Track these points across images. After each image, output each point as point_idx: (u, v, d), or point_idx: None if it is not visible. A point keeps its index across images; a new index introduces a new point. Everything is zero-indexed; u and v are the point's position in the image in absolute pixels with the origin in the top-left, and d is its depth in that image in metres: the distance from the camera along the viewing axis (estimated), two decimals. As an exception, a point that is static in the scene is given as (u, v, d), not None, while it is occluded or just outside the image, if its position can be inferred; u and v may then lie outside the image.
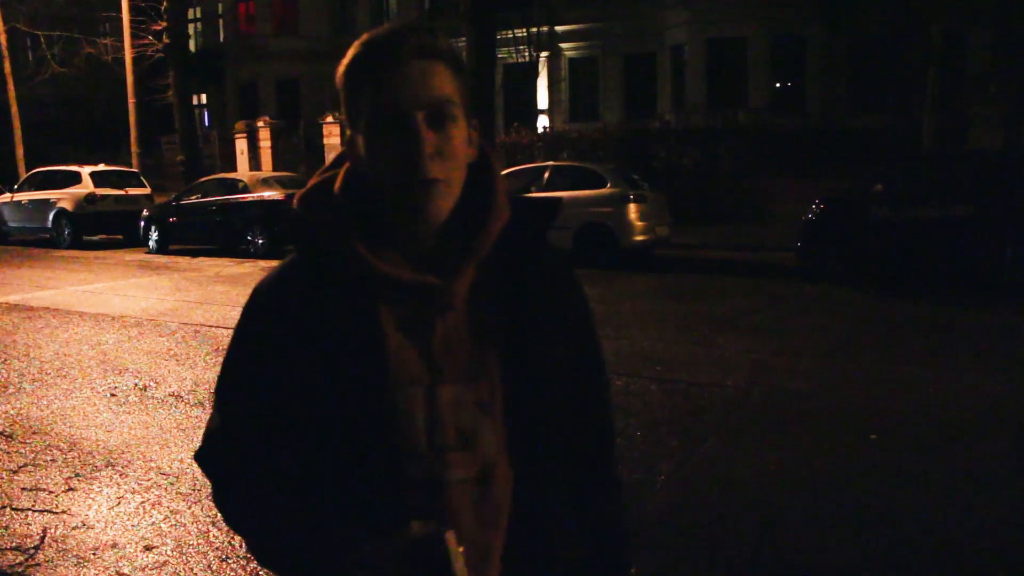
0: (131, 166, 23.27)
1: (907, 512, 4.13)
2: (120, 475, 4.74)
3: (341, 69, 1.17)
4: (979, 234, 10.65)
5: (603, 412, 1.39)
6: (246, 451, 1.25)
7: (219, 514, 1.34)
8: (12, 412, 5.99)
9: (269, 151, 26.96)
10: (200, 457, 1.31)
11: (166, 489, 4.51)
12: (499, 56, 21.06)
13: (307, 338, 1.18)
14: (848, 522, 4.04)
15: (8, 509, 4.29)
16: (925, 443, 5.11)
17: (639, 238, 13.52)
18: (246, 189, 16.80)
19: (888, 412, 5.71)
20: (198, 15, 36.58)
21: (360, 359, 1.17)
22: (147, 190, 20.24)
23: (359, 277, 1.18)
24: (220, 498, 1.30)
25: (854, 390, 6.30)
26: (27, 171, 23.97)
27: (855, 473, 4.65)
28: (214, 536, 3.92)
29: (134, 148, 24.64)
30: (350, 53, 1.17)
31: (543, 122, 28.36)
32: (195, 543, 3.86)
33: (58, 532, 4.01)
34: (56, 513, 4.24)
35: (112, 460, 4.98)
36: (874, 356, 7.39)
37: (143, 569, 3.65)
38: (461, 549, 1.11)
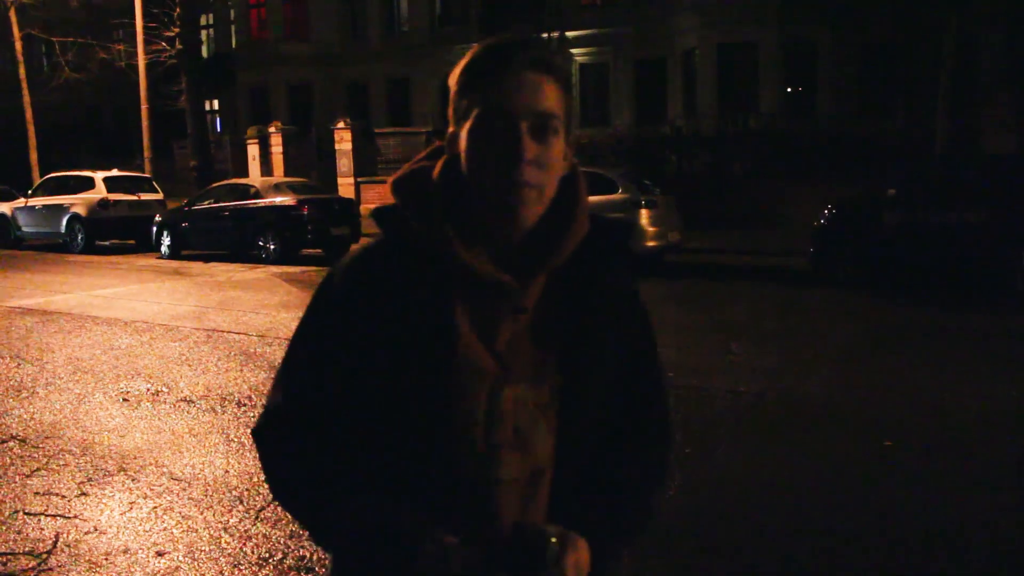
0: (144, 171, 23.39)
1: (923, 519, 4.10)
2: (132, 480, 4.75)
3: (457, 69, 1.24)
4: (993, 239, 10.59)
5: (657, 427, 1.42)
6: (307, 430, 1.27)
7: (269, 489, 1.35)
8: (26, 416, 6.01)
9: (281, 156, 27.04)
10: (257, 432, 1.33)
11: (178, 494, 4.52)
12: (510, 62, 21.04)
13: (380, 321, 1.22)
14: (864, 529, 4.01)
15: (21, 513, 4.30)
16: (940, 449, 5.07)
17: (651, 243, 13.50)
18: (258, 195, 16.86)
19: (902, 418, 5.67)
20: (210, 21, 36.76)
21: (429, 348, 1.21)
22: (160, 195, 20.35)
23: (440, 267, 1.22)
24: (275, 478, 1.32)
25: (868, 396, 6.26)
26: (41, 176, 24.13)
27: (870, 479, 4.62)
28: (226, 542, 3.92)
29: (147, 154, 24.76)
30: (468, 55, 1.24)
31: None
32: (207, 549, 3.86)
33: (70, 537, 4.02)
34: (68, 518, 4.25)
35: (124, 465, 4.99)
36: (888, 362, 7.34)
37: (155, 574, 3.65)
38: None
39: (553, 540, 1.12)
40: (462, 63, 1.23)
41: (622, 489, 1.33)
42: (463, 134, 1.23)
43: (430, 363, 1.20)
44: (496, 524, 1.20)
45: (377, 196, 23.74)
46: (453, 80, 1.24)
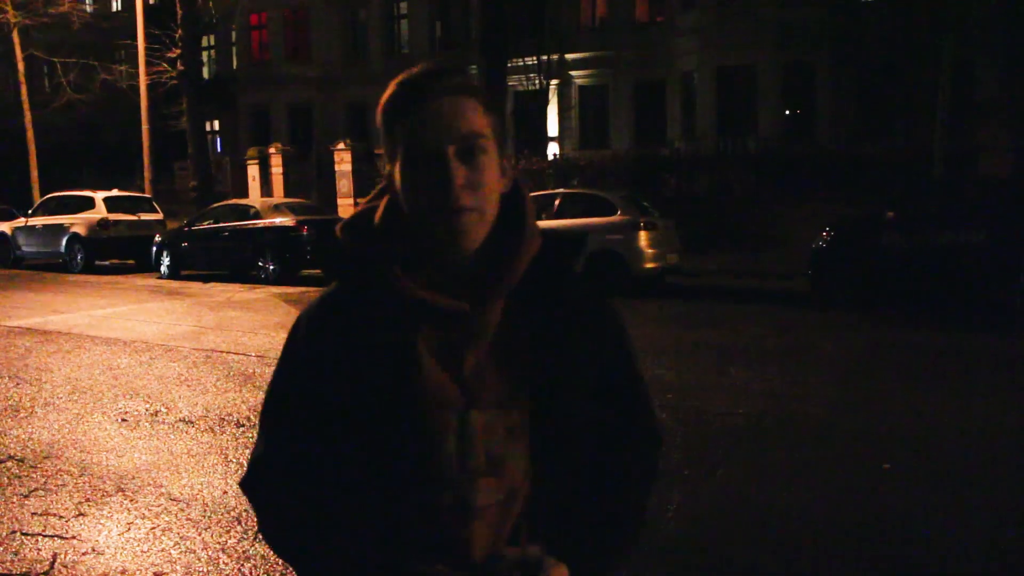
0: (144, 192, 23.46)
1: (923, 543, 4.09)
2: (130, 501, 4.73)
3: (379, 108, 1.24)
4: (991, 260, 10.62)
5: (640, 437, 1.41)
6: (290, 479, 1.29)
7: (266, 545, 1.38)
8: (24, 436, 6.00)
9: (281, 177, 27.13)
10: (245, 485, 1.34)
11: (176, 515, 4.50)
12: (510, 84, 21.23)
13: (346, 363, 1.24)
14: (863, 552, 3.99)
15: (18, 534, 4.29)
16: (939, 472, 5.06)
17: (650, 265, 13.52)
18: (258, 215, 16.90)
19: (901, 440, 5.66)
20: (212, 43, 36.97)
21: (395, 383, 1.22)
22: (160, 215, 20.41)
23: (396, 304, 1.23)
24: (266, 528, 1.34)
25: (866, 418, 6.26)
26: (41, 196, 24.20)
27: (868, 502, 4.61)
28: (224, 563, 3.90)
29: (147, 174, 24.83)
30: (387, 92, 1.23)
31: (553, 149, 28.50)
32: (205, 570, 3.84)
33: (68, 558, 4.01)
34: (66, 538, 4.23)
35: (122, 486, 4.98)
36: (886, 383, 7.34)
37: (152, 596, 3.63)
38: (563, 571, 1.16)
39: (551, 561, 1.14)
40: (382, 100, 1.23)
41: (607, 504, 1.32)
42: (396, 170, 1.23)
43: (396, 398, 1.21)
44: (473, 550, 1.20)
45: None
46: (378, 119, 1.25)
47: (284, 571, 3.78)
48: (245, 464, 5.23)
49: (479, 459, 1.22)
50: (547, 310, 1.28)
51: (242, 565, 3.87)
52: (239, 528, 4.30)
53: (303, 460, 1.28)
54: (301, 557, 1.29)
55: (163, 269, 17.78)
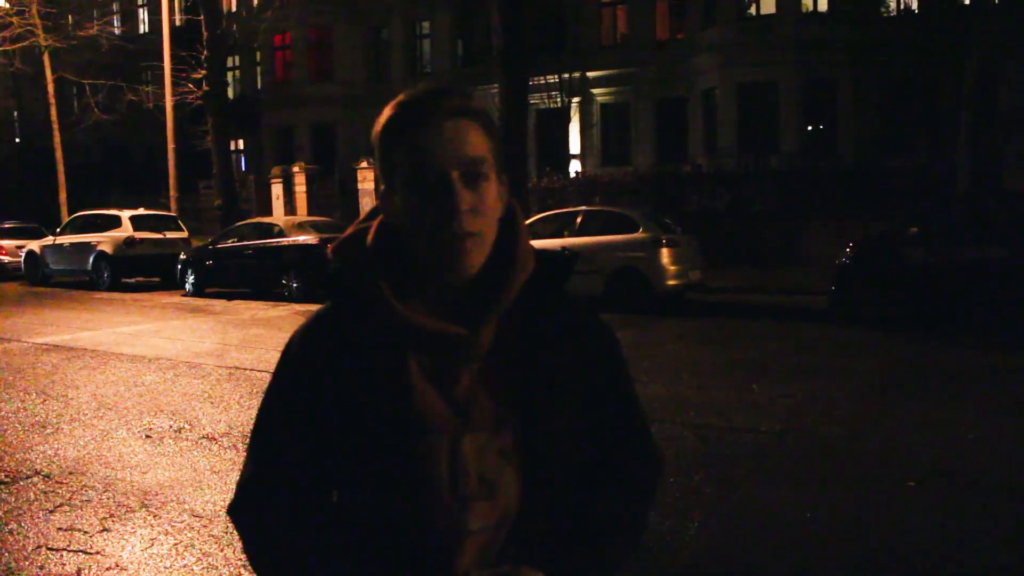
0: (169, 210, 23.72)
1: (949, 562, 4.04)
2: (154, 517, 4.77)
3: (377, 128, 1.23)
4: (1016, 276, 10.50)
5: (637, 457, 1.39)
6: (277, 504, 1.27)
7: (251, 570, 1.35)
8: (50, 452, 6.07)
9: (304, 196, 27.35)
10: (233, 510, 1.33)
11: (199, 532, 4.53)
12: (531, 102, 21.30)
13: (337, 387, 1.22)
14: (888, 572, 3.95)
15: (44, 548, 4.34)
16: (965, 490, 5.00)
17: (672, 282, 13.48)
18: (281, 233, 17.02)
19: (925, 458, 5.60)
20: (237, 63, 37.43)
21: (386, 407, 1.20)
22: (185, 234, 20.62)
23: (388, 327, 1.21)
24: (251, 555, 1.32)
25: (890, 436, 6.20)
26: (69, 215, 24.54)
27: (892, 521, 4.56)
28: (245, 579, 3.92)
29: (173, 193, 25.14)
30: (386, 113, 1.22)
31: (575, 167, 28.55)
32: (227, 586, 3.87)
33: (92, 573, 4.04)
34: (90, 554, 4.27)
35: (146, 502, 5.02)
36: (910, 401, 7.27)
37: (175, 611, 3.66)
38: None
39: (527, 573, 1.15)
40: (381, 120, 1.22)
41: (596, 525, 1.30)
42: (394, 193, 1.22)
43: (388, 421, 1.20)
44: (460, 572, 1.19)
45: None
46: (374, 139, 1.23)
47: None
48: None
49: (471, 483, 1.20)
50: (539, 331, 1.27)
51: (264, 581, 3.88)
52: (261, 544, 4.32)
53: (292, 484, 1.27)
54: None
55: (188, 287, 17.94)
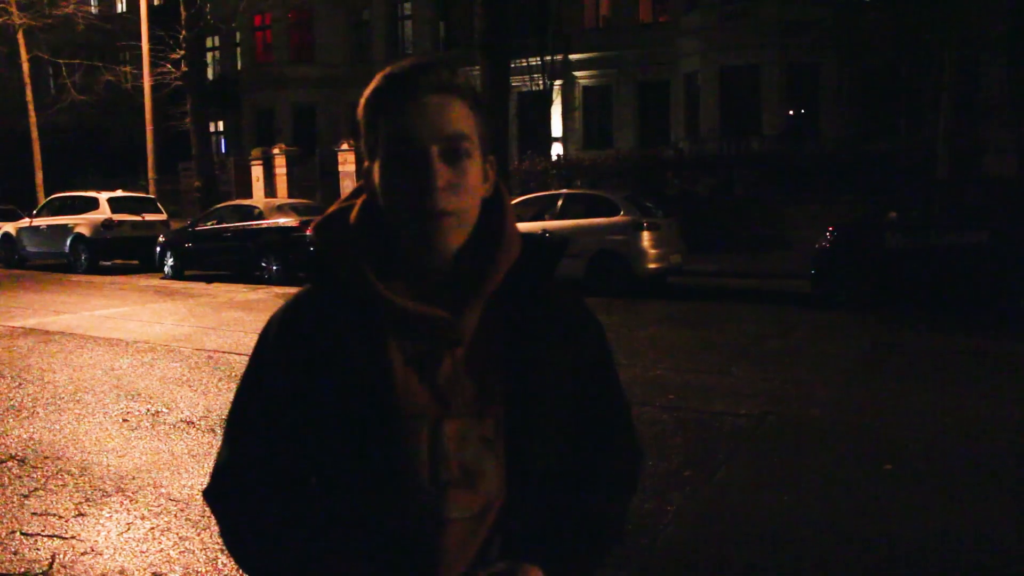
0: (148, 192, 23.51)
1: (925, 543, 4.08)
2: (130, 501, 4.74)
3: (361, 101, 1.20)
4: (994, 261, 10.59)
5: (619, 444, 1.38)
6: (254, 488, 1.25)
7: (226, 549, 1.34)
8: (25, 436, 6.01)
9: (284, 178, 27.17)
10: (208, 494, 1.31)
11: (175, 515, 4.51)
12: (513, 84, 21.20)
13: (316, 369, 1.20)
14: (865, 553, 3.98)
15: (18, 534, 4.30)
16: (941, 473, 5.04)
17: (652, 266, 13.49)
18: (261, 216, 16.92)
19: (903, 441, 5.65)
20: (216, 44, 37.05)
21: (366, 390, 1.17)
22: (163, 216, 20.44)
23: (369, 308, 1.18)
24: (228, 539, 1.30)
25: (868, 419, 6.24)
26: (46, 197, 24.26)
27: (870, 503, 4.60)
28: (222, 563, 3.90)
29: (151, 175, 24.89)
30: (371, 86, 1.19)
31: (557, 150, 28.50)
32: (203, 570, 3.84)
33: (67, 558, 4.01)
34: (65, 538, 4.24)
35: (122, 486, 4.98)
36: (888, 384, 7.32)
37: (151, 596, 3.63)
38: None
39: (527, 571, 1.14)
40: (365, 93, 1.19)
41: (581, 514, 1.29)
42: (375, 168, 1.19)
43: (367, 406, 1.17)
44: (441, 568, 1.17)
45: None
46: (359, 112, 1.20)
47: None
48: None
49: (452, 470, 1.17)
50: (524, 317, 1.24)
51: (241, 565, 3.86)
52: (238, 528, 4.30)
53: (269, 468, 1.24)
54: (263, 571, 1.26)
55: (167, 270, 17.80)
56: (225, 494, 1.29)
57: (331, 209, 1.28)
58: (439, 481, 1.17)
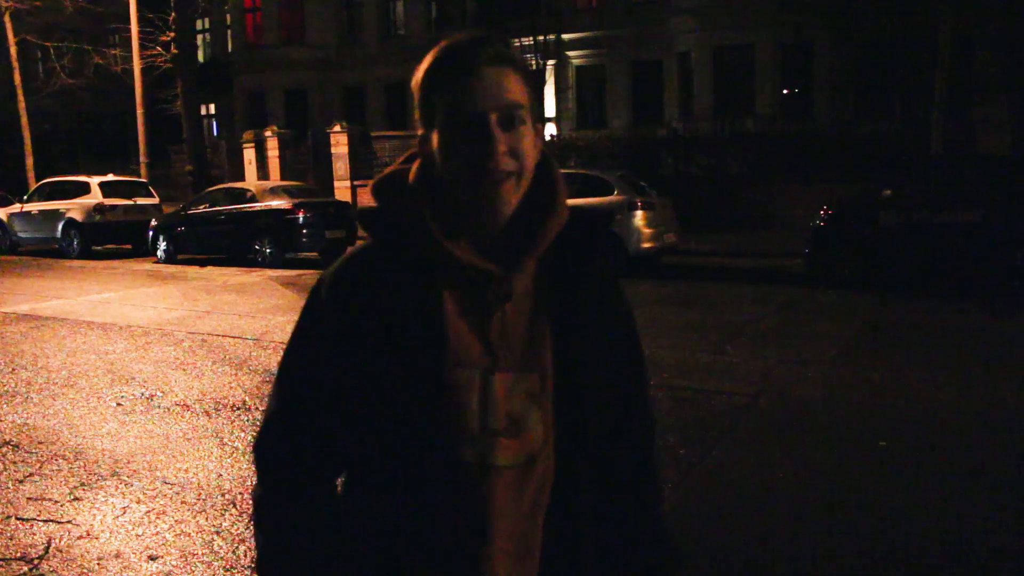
0: (140, 176, 23.35)
1: (917, 520, 4.09)
2: (125, 485, 4.73)
3: (419, 73, 1.28)
4: (988, 239, 10.59)
5: (645, 416, 1.48)
6: (300, 440, 1.30)
7: (250, 506, 1.36)
8: (19, 421, 6.00)
9: (277, 160, 27.00)
10: (257, 447, 1.36)
11: (171, 499, 4.50)
12: (506, 64, 21.05)
13: (370, 319, 1.25)
14: (860, 530, 4.00)
15: (13, 519, 4.29)
16: (936, 450, 5.06)
17: (647, 245, 13.48)
18: (254, 199, 16.84)
19: (897, 419, 5.66)
20: (206, 26, 36.72)
21: (420, 340, 1.23)
22: (156, 200, 20.32)
23: (426, 262, 1.25)
24: (267, 491, 1.33)
25: (863, 397, 6.26)
26: (37, 182, 24.09)
27: (865, 480, 4.61)
28: (218, 546, 3.90)
29: (143, 158, 24.71)
30: (429, 58, 1.27)
31: (550, 130, 28.38)
32: (200, 553, 3.84)
33: (63, 542, 4.00)
34: (61, 523, 4.23)
35: (117, 470, 4.97)
36: (883, 363, 7.34)
37: (147, 579, 3.63)
38: None
39: None
40: (423, 66, 1.27)
41: (631, 471, 1.42)
42: (434, 135, 1.26)
43: (421, 354, 1.22)
44: (494, 521, 1.23)
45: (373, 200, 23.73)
46: (416, 84, 1.28)
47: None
48: (241, 448, 5.22)
49: (500, 419, 1.24)
50: (572, 280, 1.32)
51: (237, 547, 3.87)
52: (234, 511, 4.30)
53: (317, 418, 1.30)
54: (283, 537, 1.31)
55: (160, 254, 17.73)
56: (270, 447, 1.33)
57: (385, 172, 1.36)
58: (488, 429, 1.24)
